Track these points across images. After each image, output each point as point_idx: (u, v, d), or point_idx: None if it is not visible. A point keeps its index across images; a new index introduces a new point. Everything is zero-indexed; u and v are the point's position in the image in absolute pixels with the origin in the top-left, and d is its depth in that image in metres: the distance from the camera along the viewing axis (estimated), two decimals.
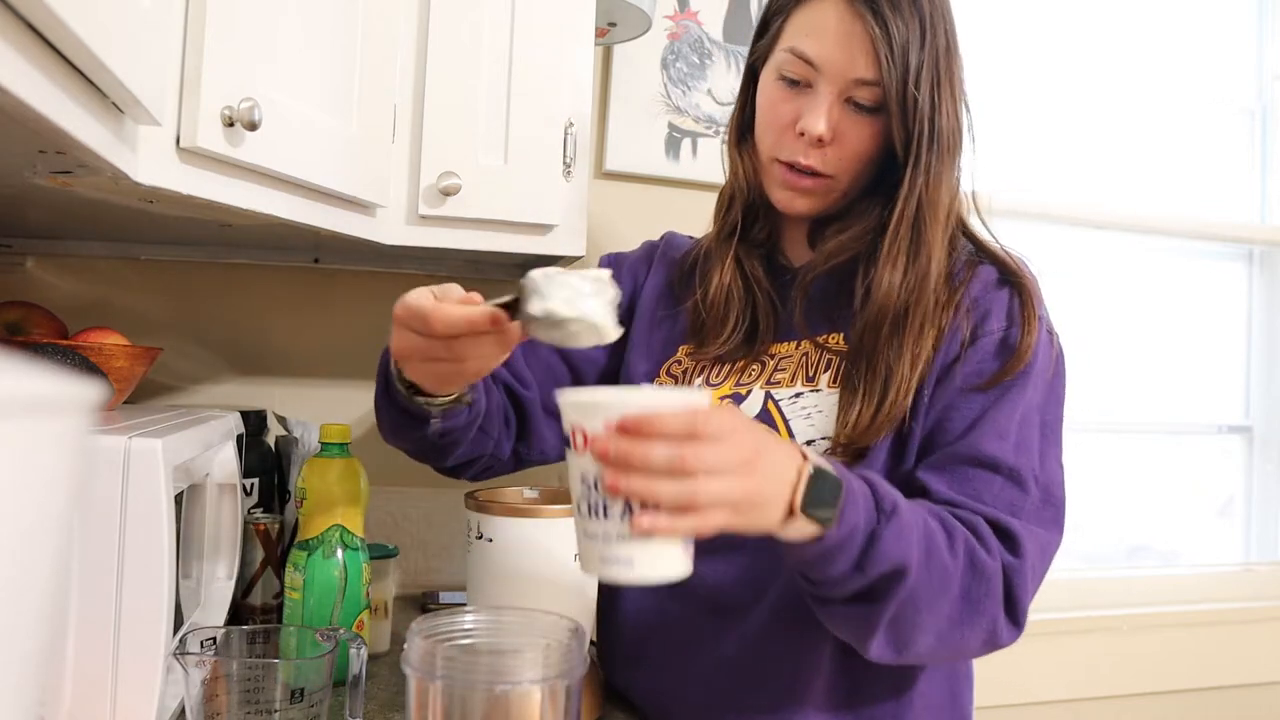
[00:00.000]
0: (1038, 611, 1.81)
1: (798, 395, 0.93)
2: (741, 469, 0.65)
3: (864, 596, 0.76)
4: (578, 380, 1.06)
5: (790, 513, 0.69)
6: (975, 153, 0.93)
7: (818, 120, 0.89)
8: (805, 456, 0.71)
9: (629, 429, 0.63)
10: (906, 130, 0.88)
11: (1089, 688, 1.88)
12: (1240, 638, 2.00)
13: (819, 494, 0.69)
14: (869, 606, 0.76)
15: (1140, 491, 2.12)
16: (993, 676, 1.74)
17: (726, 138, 1.04)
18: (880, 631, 0.77)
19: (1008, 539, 0.81)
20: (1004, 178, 1.92)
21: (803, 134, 0.90)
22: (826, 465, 0.72)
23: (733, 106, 1.03)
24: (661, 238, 1.15)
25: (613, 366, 1.07)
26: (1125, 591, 1.97)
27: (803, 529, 0.70)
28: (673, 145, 1.60)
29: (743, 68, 1.02)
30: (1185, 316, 2.14)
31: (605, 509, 0.64)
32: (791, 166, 0.93)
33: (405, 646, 0.68)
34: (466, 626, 0.73)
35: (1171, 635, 1.95)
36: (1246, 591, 2.05)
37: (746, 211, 1.00)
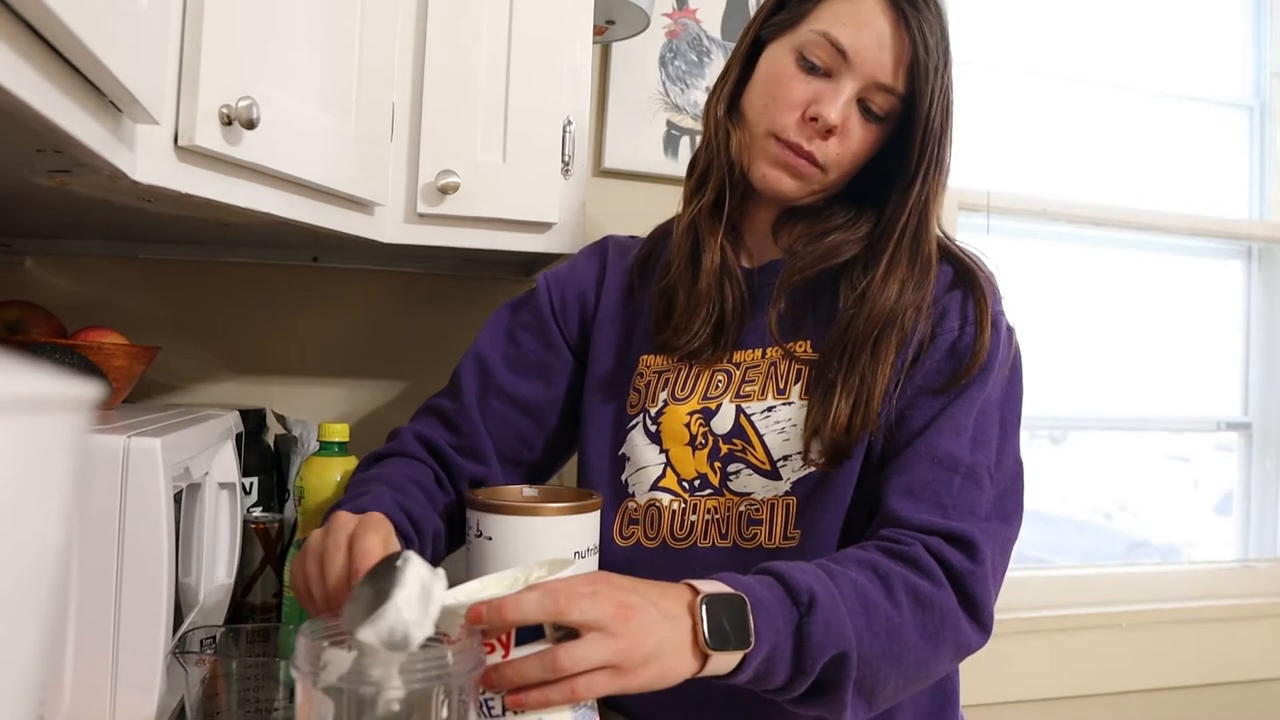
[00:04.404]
0: (1037, 608, 1.84)
1: (770, 409, 0.92)
2: (605, 629, 0.63)
3: (818, 689, 0.74)
4: (539, 423, 1.03)
5: (702, 654, 0.67)
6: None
7: (834, 109, 0.88)
8: (697, 590, 0.69)
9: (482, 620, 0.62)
10: (921, 145, 0.88)
11: (1088, 684, 1.89)
12: (1239, 634, 2.00)
13: (721, 624, 0.67)
14: (828, 696, 0.75)
15: (1139, 488, 2.12)
16: (991, 673, 1.75)
17: (711, 102, 0.98)
18: (849, 707, 0.75)
19: (966, 546, 0.81)
20: (1002, 175, 1.92)
21: (814, 119, 0.89)
22: (722, 587, 0.70)
23: (726, 72, 0.98)
24: (603, 240, 1.11)
25: (574, 388, 1.04)
26: (1124, 588, 1.97)
27: (723, 661, 0.68)
28: (671, 143, 1.60)
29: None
30: (1183, 313, 2.14)
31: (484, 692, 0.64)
32: (788, 145, 0.91)
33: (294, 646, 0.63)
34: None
35: (1170, 632, 1.95)
36: (1245, 588, 2.05)
37: (722, 185, 0.96)
